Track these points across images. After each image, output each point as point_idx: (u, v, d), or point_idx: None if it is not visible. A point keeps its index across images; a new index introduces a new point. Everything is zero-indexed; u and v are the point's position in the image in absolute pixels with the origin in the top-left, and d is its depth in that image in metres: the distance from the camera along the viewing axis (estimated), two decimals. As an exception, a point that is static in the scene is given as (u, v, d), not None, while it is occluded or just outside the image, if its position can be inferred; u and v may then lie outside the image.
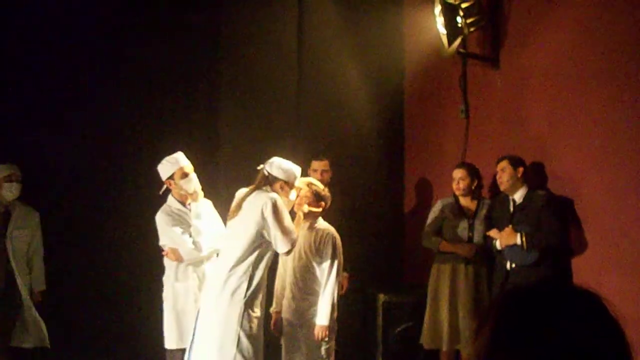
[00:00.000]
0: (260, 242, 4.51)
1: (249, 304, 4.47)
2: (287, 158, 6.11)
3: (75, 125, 5.54)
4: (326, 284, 4.71)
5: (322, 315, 4.68)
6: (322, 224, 4.89)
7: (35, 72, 5.70)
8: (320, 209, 4.87)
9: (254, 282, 4.50)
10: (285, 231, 4.45)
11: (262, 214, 4.44)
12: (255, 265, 4.51)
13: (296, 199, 4.77)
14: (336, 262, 4.75)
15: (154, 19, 6.18)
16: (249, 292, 4.48)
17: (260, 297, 4.56)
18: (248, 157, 6.25)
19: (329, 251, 4.75)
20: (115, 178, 5.82)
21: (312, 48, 6.82)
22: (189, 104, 6.37)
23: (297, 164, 6.02)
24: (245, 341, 4.43)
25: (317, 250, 4.76)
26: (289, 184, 4.63)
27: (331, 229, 4.87)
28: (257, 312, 4.52)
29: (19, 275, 5.50)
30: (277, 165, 4.63)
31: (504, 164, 5.18)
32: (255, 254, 4.51)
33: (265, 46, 6.61)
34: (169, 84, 6.29)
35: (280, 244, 4.46)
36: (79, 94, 5.85)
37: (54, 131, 5.34)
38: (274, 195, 4.52)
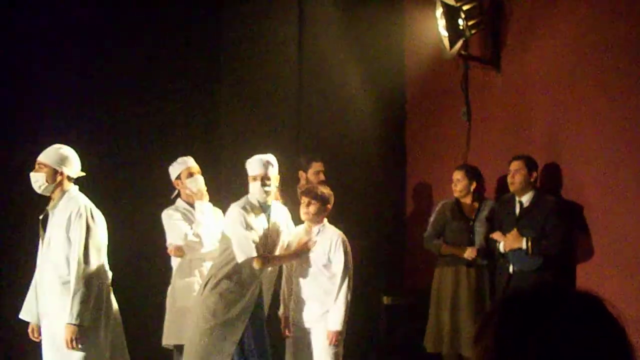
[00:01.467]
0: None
1: (206, 300, 4.63)
2: (288, 161, 6.12)
3: (75, 129, 5.49)
4: (339, 289, 4.66)
5: (336, 320, 4.64)
6: (329, 228, 4.84)
7: (33, 78, 5.67)
8: (326, 212, 4.83)
9: (215, 280, 4.66)
10: (236, 242, 4.59)
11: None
12: (221, 265, 4.71)
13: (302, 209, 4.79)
14: (348, 267, 4.72)
15: (154, 23, 6.16)
16: (206, 290, 4.65)
17: (222, 299, 4.62)
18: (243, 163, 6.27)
19: (340, 257, 4.68)
20: (113, 182, 5.78)
21: (313, 51, 6.81)
22: (189, 110, 6.36)
23: (298, 167, 6.03)
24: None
25: (327, 256, 4.71)
26: (248, 178, 4.78)
27: (339, 233, 4.81)
28: (219, 314, 4.60)
29: (43, 299, 4.34)
30: None
31: (519, 164, 5.11)
32: (224, 255, 4.71)
33: (266, 51, 6.60)
34: (170, 89, 6.27)
35: (235, 253, 4.61)
36: (78, 97, 5.83)
37: (56, 135, 5.29)
38: (233, 205, 4.72)
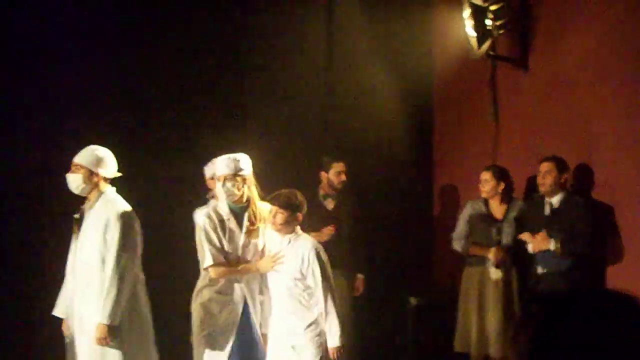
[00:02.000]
0: None
1: (194, 312, 4.55)
2: (315, 161, 6.13)
3: (104, 129, 5.53)
4: (326, 304, 4.28)
5: (334, 336, 4.30)
6: (301, 238, 4.40)
7: (65, 79, 5.74)
8: (297, 222, 4.38)
9: (197, 289, 4.58)
10: (202, 250, 4.48)
11: None
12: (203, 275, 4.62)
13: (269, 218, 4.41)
14: (327, 277, 4.33)
15: (180, 21, 6.18)
16: (193, 300, 4.56)
17: (206, 310, 4.50)
18: (275, 161, 6.29)
19: (317, 270, 4.28)
20: (142, 182, 5.78)
21: (340, 51, 6.82)
22: (216, 109, 6.37)
23: (323, 167, 6.00)
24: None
25: (301, 271, 4.30)
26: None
27: (312, 244, 4.37)
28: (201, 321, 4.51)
29: (76, 297, 4.44)
30: None
31: (550, 166, 5.07)
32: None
33: (294, 49, 6.62)
34: (196, 88, 6.29)
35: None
36: (106, 96, 5.90)
37: (81, 129, 5.32)
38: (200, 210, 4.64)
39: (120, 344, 4.33)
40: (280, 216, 4.27)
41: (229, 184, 4.43)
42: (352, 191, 6.07)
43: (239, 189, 4.46)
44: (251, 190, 4.53)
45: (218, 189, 4.52)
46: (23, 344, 5.43)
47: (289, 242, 4.35)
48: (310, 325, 4.31)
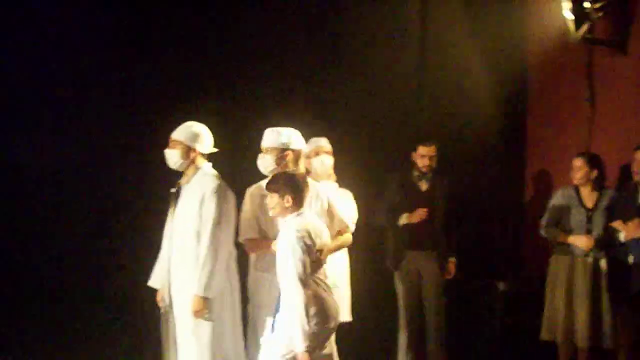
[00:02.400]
0: None
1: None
2: (406, 144, 6.15)
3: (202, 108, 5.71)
4: (290, 301, 3.77)
5: (297, 339, 3.72)
6: (291, 222, 3.91)
7: (163, 63, 5.99)
8: (289, 204, 3.92)
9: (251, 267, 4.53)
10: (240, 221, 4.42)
11: None
12: None
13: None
14: (291, 267, 3.76)
15: (277, 8, 6.33)
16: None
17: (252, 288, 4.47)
18: (368, 142, 6.39)
19: (282, 254, 3.84)
20: (230, 158, 5.86)
21: (434, 34, 6.81)
22: (311, 89, 6.47)
23: (413, 150, 6.02)
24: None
25: (280, 255, 3.89)
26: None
27: (293, 226, 3.87)
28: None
29: (173, 270, 4.53)
30: None
31: None
32: None
33: (386, 35, 6.65)
34: (288, 72, 6.41)
35: None
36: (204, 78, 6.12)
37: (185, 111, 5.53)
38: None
39: (213, 316, 4.45)
40: (271, 200, 3.96)
41: (268, 157, 4.34)
42: (447, 173, 6.04)
43: (277, 164, 4.31)
44: (298, 167, 4.36)
45: (259, 161, 4.43)
46: (121, 313, 5.77)
47: (284, 223, 4.01)
48: (285, 312, 3.86)
